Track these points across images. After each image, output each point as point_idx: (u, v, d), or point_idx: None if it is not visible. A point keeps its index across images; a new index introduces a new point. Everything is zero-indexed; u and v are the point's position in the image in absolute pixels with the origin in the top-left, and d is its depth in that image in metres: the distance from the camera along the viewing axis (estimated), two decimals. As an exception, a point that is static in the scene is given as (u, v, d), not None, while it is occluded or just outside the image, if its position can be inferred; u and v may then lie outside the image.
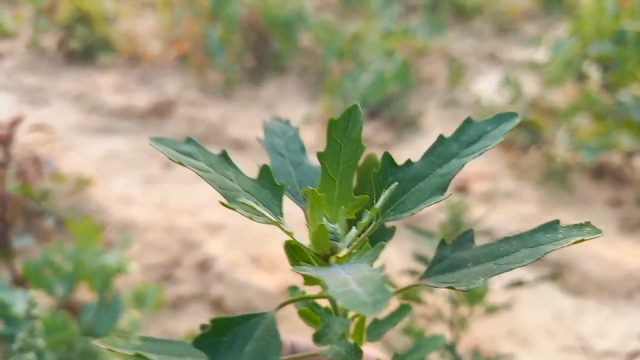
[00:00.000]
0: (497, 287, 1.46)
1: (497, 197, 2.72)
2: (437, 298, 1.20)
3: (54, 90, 3.98)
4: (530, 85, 3.57)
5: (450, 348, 1.06)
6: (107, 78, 4.16)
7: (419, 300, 1.08)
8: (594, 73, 3.36)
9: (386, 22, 4.50)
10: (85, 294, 1.93)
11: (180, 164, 0.52)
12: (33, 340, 0.73)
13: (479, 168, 2.91)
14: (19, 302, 1.56)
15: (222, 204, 0.48)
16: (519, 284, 1.17)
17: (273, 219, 0.48)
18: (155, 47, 4.57)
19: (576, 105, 3.09)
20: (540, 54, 4.00)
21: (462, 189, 2.77)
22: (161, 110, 3.69)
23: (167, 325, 2.00)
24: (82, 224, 1.78)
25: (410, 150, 3.10)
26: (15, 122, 1.88)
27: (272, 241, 2.39)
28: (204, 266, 2.28)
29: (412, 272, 1.07)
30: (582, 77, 3.42)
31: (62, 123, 3.48)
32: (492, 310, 1.17)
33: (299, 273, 0.48)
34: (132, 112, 3.68)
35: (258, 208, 0.46)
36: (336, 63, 4.10)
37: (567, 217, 2.59)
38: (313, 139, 3.08)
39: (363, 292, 0.35)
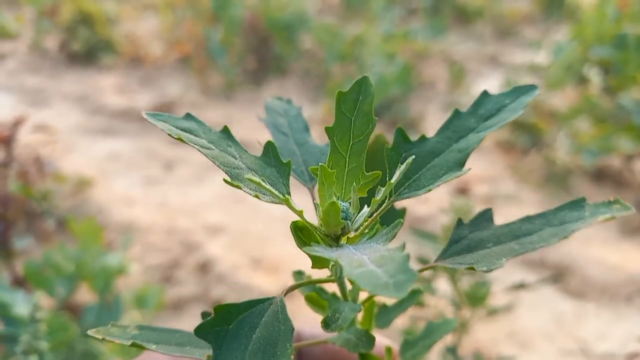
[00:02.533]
0: (499, 290, 1.46)
1: (497, 200, 2.72)
2: (439, 301, 1.20)
3: (56, 92, 3.99)
4: (531, 89, 3.57)
5: (452, 350, 1.06)
6: (109, 79, 4.17)
7: (420, 303, 1.08)
8: (594, 76, 3.37)
9: (387, 25, 4.51)
10: (86, 295, 1.93)
11: (180, 139, 0.48)
12: (36, 342, 0.73)
13: (480, 171, 2.92)
14: (19, 303, 1.56)
15: (226, 181, 0.45)
16: (521, 286, 1.17)
17: (280, 196, 0.44)
18: (157, 49, 4.57)
19: (577, 109, 3.09)
20: (540, 58, 4.00)
21: (463, 191, 2.77)
22: (163, 112, 3.69)
23: (168, 327, 2.00)
24: (84, 225, 1.79)
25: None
26: (17, 123, 1.89)
27: (273, 243, 2.39)
28: (204, 268, 2.28)
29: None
30: (582, 81, 3.42)
31: (64, 124, 3.48)
32: (493, 313, 1.17)
33: (308, 254, 0.44)
34: (134, 114, 3.68)
35: (265, 185, 0.42)
36: (338, 66, 4.10)
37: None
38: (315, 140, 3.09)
39: (383, 273, 0.31)
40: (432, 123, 3.52)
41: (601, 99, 3.11)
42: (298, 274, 0.57)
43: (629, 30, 3.16)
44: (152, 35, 4.81)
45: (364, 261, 0.34)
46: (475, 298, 1.11)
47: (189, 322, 2.04)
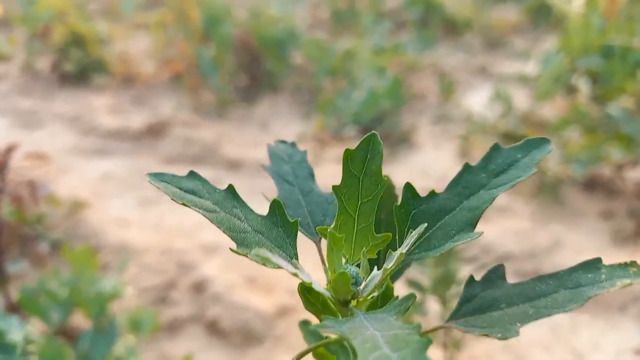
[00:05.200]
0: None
1: (490, 212, 2.74)
2: (430, 322, 1.21)
3: (48, 113, 4.00)
4: (521, 99, 3.61)
5: (445, 370, 1.07)
6: (102, 99, 4.18)
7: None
8: (583, 86, 3.41)
9: (377, 39, 4.56)
10: (81, 320, 1.93)
11: (185, 205, 0.47)
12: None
13: (472, 183, 2.93)
14: (14, 329, 1.56)
15: (233, 250, 0.45)
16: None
17: (290, 269, 0.43)
18: (149, 68, 4.60)
19: (566, 119, 3.12)
20: (529, 68, 4.05)
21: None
22: (156, 131, 3.71)
23: (163, 349, 2.00)
24: (78, 252, 1.79)
25: (404, 167, 3.13)
26: (10, 149, 1.90)
27: (268, 261, 2.39)
28: (199, 288, 2.28)
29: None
30: (571, 90, 3.46)
31: (57, 145, 3.49)
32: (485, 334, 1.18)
33: (325, 333, 0.43)
34: (127, 133, 3.70)
35: (273, 259, 0.41)
36: (329, 81, 4.14)
37: (561, 231, 2.62)
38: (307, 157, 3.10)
39: None
40: (423, 136, 3.54)
41: (590, 109, 3.14)
42: (304, 324, 0.56)
43: (614, 41, 3.20)
44: (144, 54, 4.84)
45: (377, 341, 0.33)
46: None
47: (185, 343, 2.04)
